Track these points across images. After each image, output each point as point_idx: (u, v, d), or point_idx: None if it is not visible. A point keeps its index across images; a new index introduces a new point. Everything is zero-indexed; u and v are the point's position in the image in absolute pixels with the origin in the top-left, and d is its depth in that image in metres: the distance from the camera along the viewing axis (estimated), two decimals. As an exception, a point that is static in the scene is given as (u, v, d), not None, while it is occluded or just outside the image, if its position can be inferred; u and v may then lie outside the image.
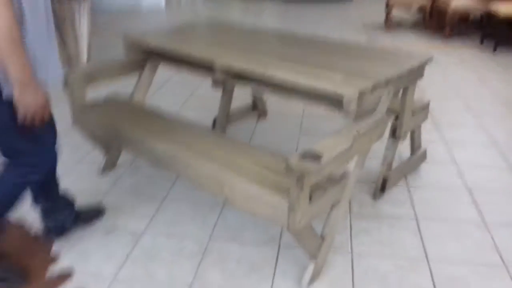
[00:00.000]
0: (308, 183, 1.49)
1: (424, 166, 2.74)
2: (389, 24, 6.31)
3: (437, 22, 6.13)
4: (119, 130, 2.18)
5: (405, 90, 2.20)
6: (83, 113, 2.37)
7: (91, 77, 2.45)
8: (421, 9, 6.41)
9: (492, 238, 2.12)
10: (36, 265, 1.96)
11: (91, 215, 2.23)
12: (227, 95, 3.08)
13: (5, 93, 1.50)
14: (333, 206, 1.82)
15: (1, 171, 1.76)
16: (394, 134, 2.32)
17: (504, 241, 2.10)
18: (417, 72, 2.13)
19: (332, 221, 1.82)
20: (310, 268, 1.82)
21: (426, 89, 4.04)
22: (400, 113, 2.26)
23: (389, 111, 2.42)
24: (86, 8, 4.71)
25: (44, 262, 1.97)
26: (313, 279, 1.84)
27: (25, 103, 1.50)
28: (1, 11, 1.35)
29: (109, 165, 2.70)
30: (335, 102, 1.81)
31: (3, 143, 1.69)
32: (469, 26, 6.20)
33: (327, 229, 1.83)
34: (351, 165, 1.81)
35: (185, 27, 2.84)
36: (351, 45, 2.39)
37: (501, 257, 2.00)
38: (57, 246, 2.07)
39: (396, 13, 6.96)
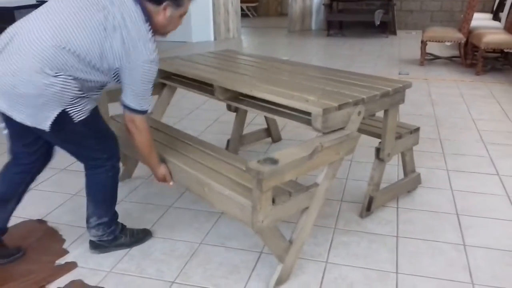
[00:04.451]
0: (266, 184, 1.69)
1: (419, 190, 2.84)
2: (423, 59, 6.41)
3: (472, 57, 6.17)
4: (128, 140, 2.47)
5: (386, 113, 2.36)
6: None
7: (114, 95, 2.78)
8: (458, 45, 6.47)
9: (467, 259, 2.20)
10: (44, 257, 2.26)
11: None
12: (240, 119, 3.34)
13: (75, 119, 1.89)
14: (302, 213, 2.00)
15: (93, 177, 2.14)
16: (379, 155, 2.47)
17: (478, 262, 2.17)
18: (394, 97, 2.28)
19: (300, 226, 2.00)
20: (278, 270, 2.00)
21: (446, 119, 4.13)
22: (382, 135, 2.41)
23: (371, 133, 2.59)
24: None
25: (52, 255, 2.27)
26: (280, 281, 2.01)
27: (156, 176, 2.23)
28: (141, 129, 2.01)
29: (126, 175, 3.01)
30: (307, 119, 2.02)
31: (82, 155, 2.11)
32: (504, 62, 6.18)
33: (295, 234, 2.01)
34: (321, 176, 2.00)
35: (199, 55, 3.15)
36: (338, 72, 2.59)
37: (470, 275, 2.08)
38: (67, 243, 2.36)
39: (434, 49, 7.05)
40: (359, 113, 2.07)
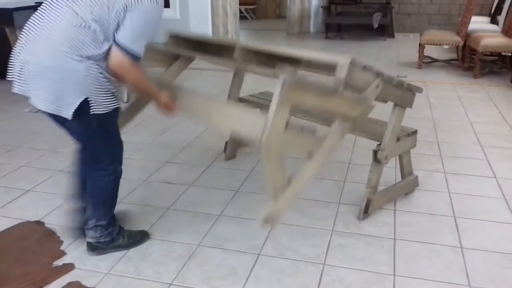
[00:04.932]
0: (289, 92, 1.72)
1: (416, 193, 2.85)
2: (421, 62, 6.43)
3: (469, 61, 6.19)
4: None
5: (393, 112, 2.44)
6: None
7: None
8: (456, 48, 6.49)
9: (464, 261, 2.20)
10: (43, 258, 2.25)
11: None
12: (238, 121, 3.35)
13: (93, 111, 1.94)
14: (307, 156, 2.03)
15: (95, 179, 2.18)
16: (376, 158, 2.47)
17: (476, 265, 2.18)
18: (406, 94, 2.41)
19: (301, 172, 2.00)
20: (269, 206, 1.93)
21: (443, 121, 4.14)
22: (385, 135, 2.43)
23: (374, 135, 2.59)
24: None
25: (50, 257, 2.26)
26: (268, 219, 1.95)
27: (159, 104, 2.17)
28: (130, 71, 1.94)
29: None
30: (331, 71, 2.08)
31: (90, 152, 2.15)
32: (502, 65, 6.20)
33: (295, 175, 2.00)
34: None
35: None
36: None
37: (467, 278, 2.09)
38: (65, 245, 2.36)
39: (432, 52, 7.06)
40: (377, 86, 2.13)
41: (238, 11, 9.22)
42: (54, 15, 1.88)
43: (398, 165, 2.89)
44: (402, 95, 2.36)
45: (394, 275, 2.11)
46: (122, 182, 3.00)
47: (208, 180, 3.05)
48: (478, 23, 6.86)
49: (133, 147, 3.61)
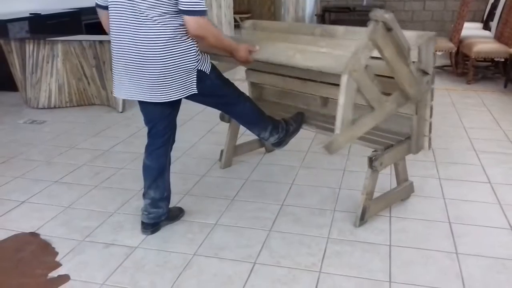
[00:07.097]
0: (378, 33, 2.04)
1: (412, 199, 2.85)
2: (415, 68, 6.46)
3: (463, 67, 6.23)
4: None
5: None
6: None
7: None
8: (449, 54, 6.53)
9: (459, 267, 2.21)
10: (38, 270, 2.24)
11: (176, 214, 2.67)
12: (233, 129, 3.35)
13: (207, 70, 2.28)
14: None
15: (237, 112, 2.60)
16: (371, 164, 2.48)
17: (471, 270, 2.18)
18: (421, 130, 2.67)
19: (363, 118, 2.23)
20: (333, 136, 2.13)
21: (438, 127, 4.15)
22: (386, 146, 2.47)
23: (369, 141, 2.60)
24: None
25: (45, 269, 2.26)
26: (328, 147, 2.15)
27: (238, 58, 2.42)
28: (209, 28, 2.14)
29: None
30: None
31: (222, 103, 2.52)
32: (495, 70, 6.24)
33: (357, 120, 2.21)
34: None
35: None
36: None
37: (463, 284, 2.09)
38: (60, 256, 2.36)
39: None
40: (428, 82, 2.37)
41: (232, 20, 9.26)
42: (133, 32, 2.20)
43: (393, 172, 2.90)
44: (424, 122, 2.59)
45: (390, 281, 2.11)
46: (117, 192, 3.02)
47: (204, 189, 3.05)
48: (471, 29, 6.91)
49: (128, 156, 3.61)
